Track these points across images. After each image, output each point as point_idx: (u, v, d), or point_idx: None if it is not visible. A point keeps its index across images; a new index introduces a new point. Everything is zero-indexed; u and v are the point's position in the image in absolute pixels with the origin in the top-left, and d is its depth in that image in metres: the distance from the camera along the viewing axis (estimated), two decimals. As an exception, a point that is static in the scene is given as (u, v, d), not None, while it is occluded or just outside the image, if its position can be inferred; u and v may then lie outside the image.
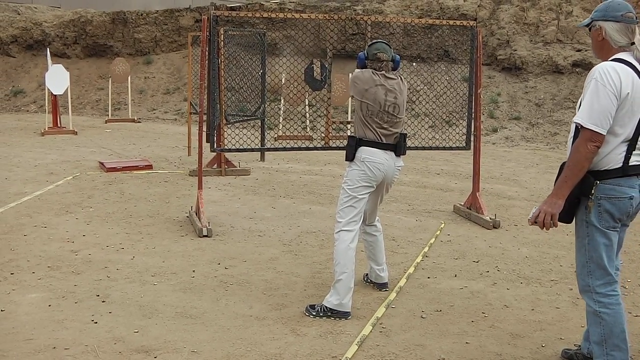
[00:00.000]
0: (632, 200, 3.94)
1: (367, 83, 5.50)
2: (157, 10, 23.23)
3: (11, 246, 7.08)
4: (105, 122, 18.54)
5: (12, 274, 6.26)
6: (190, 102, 13.28)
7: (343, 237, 5.44)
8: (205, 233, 7.51)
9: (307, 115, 16.45)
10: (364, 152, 5.49)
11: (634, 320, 5.38)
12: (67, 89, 16.29)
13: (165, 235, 7.61)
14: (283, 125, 15.84)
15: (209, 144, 8.88)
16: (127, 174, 11.14)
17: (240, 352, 4.66)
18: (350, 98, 5.18)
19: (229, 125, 11.43)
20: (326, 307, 5.39)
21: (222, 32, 10.27)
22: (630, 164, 3.91)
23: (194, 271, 6.38)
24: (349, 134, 5.66)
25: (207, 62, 8.53)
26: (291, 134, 13.75)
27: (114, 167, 11.34)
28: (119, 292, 5.81)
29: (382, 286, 6.03)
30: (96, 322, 5.15)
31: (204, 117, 8.59)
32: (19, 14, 25.87)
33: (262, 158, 12.82)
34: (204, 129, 8.68)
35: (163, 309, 5.44)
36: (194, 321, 5.21)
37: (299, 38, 14.73)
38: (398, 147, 5.59)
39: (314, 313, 5.39)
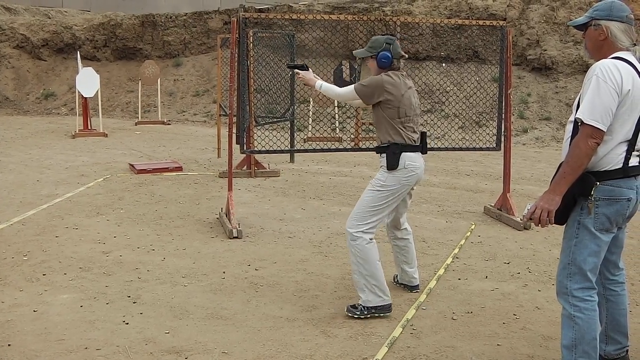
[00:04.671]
0: (629, 202, 3.85)
1: (401, 87, 5.40)
2: (186, 13, 23.37)
3: (43, 247, 7.14)
4: (135, 125, 18.68)
5: (44, 274, 6.31)
6: (220, 104, 13.33)
7: (371, 249, 5.32)
8: (235, 234, 7.52)
9: (337, 116, 16.44)
10: (406, 158, 5.39)
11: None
12: (97, 91, 16.42)
13: (196, 236, 7.64)
14: (312, 127, 15.85)
15: (238, 145, 8.90)
16: (157, 175, 11.21)
17: (270, 354, 4.66)
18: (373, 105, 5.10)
19: (258, 127, 11.45)
20: (368, 307, 5.36)
21: (251, 34, 10.28)
22: (629, 165, 3.83)
23: (224, 272, 6.39)
24: (383, 143, 5.51)
25: (236, 64, 8.54)
26: (320, 136, 13.78)
27: (144, 169, 11.41)
28: (149, 293, 5.83)
29: (413, 288, 5.99)
30: (127, 323, 5.18)
31: (234, 119, 8.59)
32: (50, 18, 26.14)
33: (292, 159, 12.82)
34: (234, 130, 8.69)
35: (194, 310, 5.45)
36: (225, 322, 5.22)
37: (327, 39, 14.73)
38: (425, 146, 5.58)
39: (358, 312, 5.37)
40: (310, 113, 16.26)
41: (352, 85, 5.56)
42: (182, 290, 5.92)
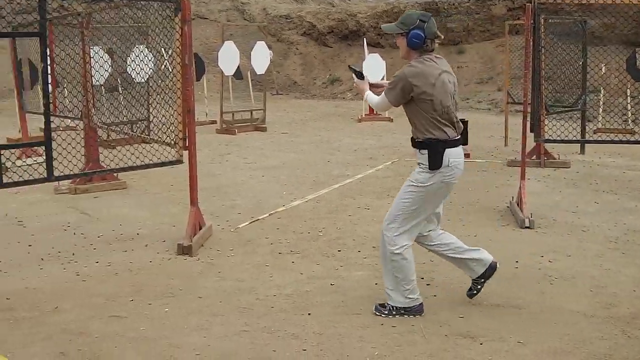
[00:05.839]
0: None
1: (432, 75, 4.80)
2: (469, 0, 23.21)
3: (337, 225, 7.46)
4: (420, 110, 18.89)
5: (339, 251, 6.60)
6: (508, 92, 13.10)
7: (409, 254, 5.02)
8: (527, 224, 7.36)
9: (629, 107, 15.53)
10: (450, 154, 4.87)
11: None
12: (383, 78, 16.80)
13: (486, 223, 7.60)
14: (603, 117, 15.10)
15: (532, 134, 8.68)
16: (445, 161, 11.23)
17: (568, 348, 4.52)
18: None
19: (547, 116, 11.11)
20: (397, 307, 5.08)
21: (543, 21, 9.98)
22: None
23: (517, 262, 6.28)
24: (420, 139, 4.92)
25: (531, 51, 8.34)
26: (611, 127, 13.09)
27: (431, 155, 11.48)
28: (442, 276, 5.89)
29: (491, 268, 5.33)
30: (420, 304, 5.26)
31: (528, 108, 8.40)
32: (334, 7, 27.17)
33: (582, 151, 12.27)
34: (528, 118, 8.50)
35: (487, 297, 5.40)
36: (519, 312, 5.14)
37: (619, 25, 13.96)
38: (465, 137, 5.03)
39: (386, 312, 5.10)
40: (601, 103, 15.50)
41: (383, 92, 5.05)
42: (474, 276, 5.91)
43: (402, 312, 5.06)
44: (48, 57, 6.80)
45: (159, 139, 7.14)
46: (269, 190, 9.23)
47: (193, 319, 5.03)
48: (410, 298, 5.05)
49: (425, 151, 4.86)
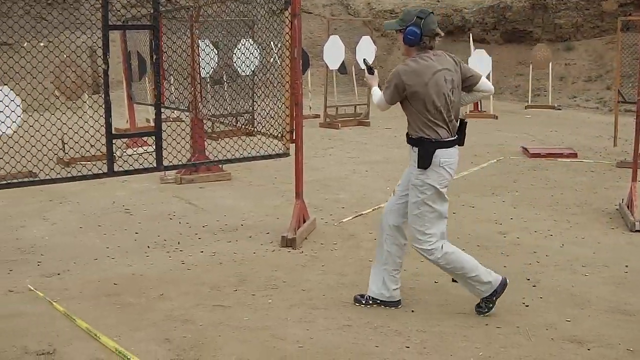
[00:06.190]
0: None
1: (425, 75, 4.72)
2: (579, -4, 22.56)
3: (443, 223, 7.34)
4: (525, 108, 18.52)
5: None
6: (619, 91, 12.66)
7: (449, 248, 4.95)
8: (637, 228, 7.08)
9: None
10: (441, 155, 4.79)
11: None
12: (489, 74, 16.52)
13: (594, 226, 7.34)
14: None
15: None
16: (551, 160, 10.99)
17: (684, 359, 4.31)
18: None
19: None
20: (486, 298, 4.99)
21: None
22: None
23: (626, 266, 6.05)
24: (413, 136, 4.89)
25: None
26: None
27: (538, 153, 11.29)
28: (549, 278, 5.72)
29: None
30: (527, 306, 5.14)
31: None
32: (439, 2, 26.85)
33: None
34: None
35: (595, 301, 5.23)
36: (629, 318, 4.94)
37: None
38: (463, 137, 4.93)
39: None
40: None
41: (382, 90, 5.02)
42: (582, 279, 5.73)
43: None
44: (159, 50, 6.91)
45: (266, 132, 7.17)
46: (372, 185, 9.19)
47: (296, 311, 5.03)
48: (489, 283, 4.95)
49: (417, 149, 4.85)
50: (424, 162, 4.79)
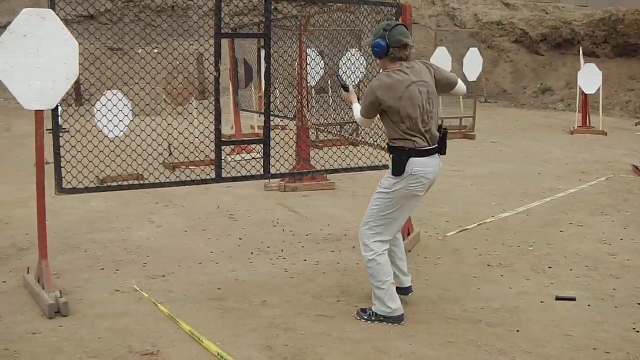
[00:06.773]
0: None
1: (397, 89, 4.76)
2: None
3: (547, 240, 7.18)
4: (636, 125, 17.90)
5: (549, 267, 6.35)
6: None
7: (383, 259, 5.00)
8: None
9: None
10: (414, 163, 4.85)
11: None
12: (598, 88, 16.08)
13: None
14: None
15: None
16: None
17: None
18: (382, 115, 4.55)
19: None
20: (376, 313, 5.04)
21: None
22: None
23: None
24: (390, 145, 4.98)
25: None
26: None
27: (649, 172, 10.89)
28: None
29: (407, 291, 5.42)
30: (638, 331, 4.95)
31: None
32: (547, 13, 26.33)
33: None
34: None
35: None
36: None
37: None
38: (443, 146, 5.00)
39: (365, 317, 5.06)
40: None
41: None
42: None
43: (382, 319, 5.04)
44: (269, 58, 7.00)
45: (373, 142, 7.17)
46: (477, 200, 9.06)
47: (398, 324, 5.00)
48: (389, 307, 4.99)
49: (391, 157, 4.95)
50: (397, 170, 4.88)
